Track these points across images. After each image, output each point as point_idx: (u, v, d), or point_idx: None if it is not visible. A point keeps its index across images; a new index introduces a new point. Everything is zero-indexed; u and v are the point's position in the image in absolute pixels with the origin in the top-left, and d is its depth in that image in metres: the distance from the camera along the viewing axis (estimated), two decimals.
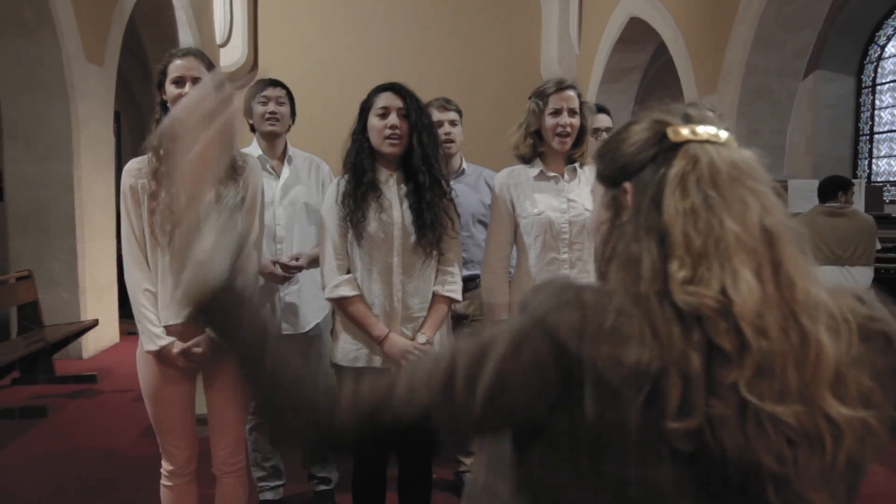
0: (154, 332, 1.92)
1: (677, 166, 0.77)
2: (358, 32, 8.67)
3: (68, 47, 5.19)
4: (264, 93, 2.65)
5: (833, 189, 4.43)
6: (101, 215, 5.83)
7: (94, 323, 5.11)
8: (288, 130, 2.74)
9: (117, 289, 6.08)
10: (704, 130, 0.80)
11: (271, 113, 2.63)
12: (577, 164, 2.26)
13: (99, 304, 5.70)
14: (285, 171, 2.67)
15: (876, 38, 9.21)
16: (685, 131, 0.80)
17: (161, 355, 1.93)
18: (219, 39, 8.00)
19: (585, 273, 2.23)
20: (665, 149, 0.79)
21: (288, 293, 2.64)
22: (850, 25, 8.91)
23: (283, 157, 2.70)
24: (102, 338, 5.82)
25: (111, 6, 5.82)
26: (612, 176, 0.84)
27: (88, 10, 5.45)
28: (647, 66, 8.20)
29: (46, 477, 3.20)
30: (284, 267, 2.51)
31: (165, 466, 2.05)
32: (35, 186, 5.27)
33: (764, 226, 0.74)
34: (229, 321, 0.84)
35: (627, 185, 0.81)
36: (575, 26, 8.85)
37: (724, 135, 0.80)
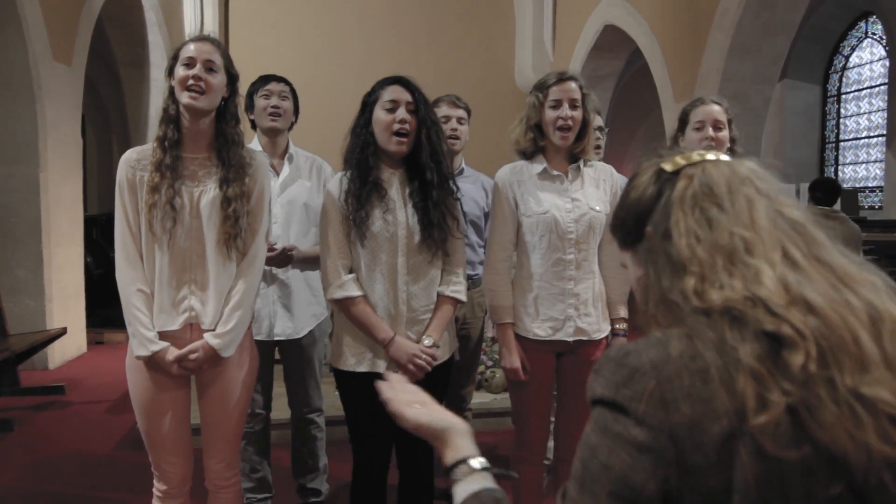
0: (146, 336, 1.79)
1: (676, 190, 0.82)
2: (330, 39, 8.60)
3: (35, 46, 5.00)
4: (267, 87, 2.57)
5: (835, 194, 4.34)
6: (69, 221, 5.61)
7: (63, 331, 4.90)
8: (291, 128, 2.66)
9: (84, 296, 5.88)
10: (699, 155, 0.84)
11: (273, 107, 2.54)
12: (580, 163, 2.21)
13: (66, 313, 5.48)
14: (285, 170, 2.59)
15: (840, 49, 9.44)
16: (679, 159, 0.85)
17: (153, 361, 1.81)
18: None
19: (591, 274, 2.19)
20: (664, 181, 0.84)
21: (281, 297, 2.53)
22: (815, 36, 9.12)
23: (283, 154, 2.61)
24: (69, 347, 5.60)
25: (79, 4, 5.63)
26: (633, 230, 0.87)
27: (56, 8, 5.26)
28: (622, 72, 8.26)
29: (14, 493, 3.03)
30: (269, 249, 2.38)
31: (158, 486, 1.91)
32: (0, 190, 5.06)
33: (779, 216, 0.76)
34: None
35: (649, 228, 0.84)
36: (549, 33, 8.90)
37: (724, 157, 0.84)
